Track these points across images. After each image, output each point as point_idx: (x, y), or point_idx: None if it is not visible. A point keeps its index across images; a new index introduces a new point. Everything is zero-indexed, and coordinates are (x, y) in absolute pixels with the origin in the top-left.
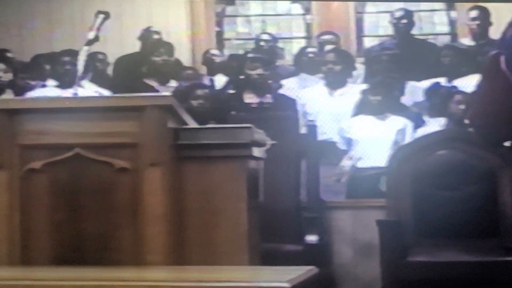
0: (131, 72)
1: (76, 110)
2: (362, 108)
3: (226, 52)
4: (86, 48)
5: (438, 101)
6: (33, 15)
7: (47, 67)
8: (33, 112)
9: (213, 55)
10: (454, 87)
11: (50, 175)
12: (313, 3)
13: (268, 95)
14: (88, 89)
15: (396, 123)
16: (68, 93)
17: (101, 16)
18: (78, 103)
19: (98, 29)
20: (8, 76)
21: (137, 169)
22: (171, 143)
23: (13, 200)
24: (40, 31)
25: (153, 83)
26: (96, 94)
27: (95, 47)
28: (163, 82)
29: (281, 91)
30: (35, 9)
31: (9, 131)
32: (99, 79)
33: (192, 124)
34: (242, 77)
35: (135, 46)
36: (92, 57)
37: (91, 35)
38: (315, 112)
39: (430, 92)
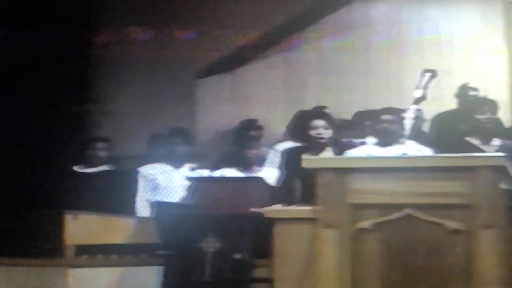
0: (450, 129)
1: (406, 169)
2: None
3: None
4: (413, 107)
5: None
6: (350, 71)
7: (367, 124)
8: (362, 171)
9: None
10: None
11: (380, 235)
12: None
13: None
14: (410, 147)
15: None
16: (389, 151)
17: (428, 74)
18: (408, 162)
19: (425, 87)
20: (329, 133)
21: (470, 230)
22: (506, 204)
23: (344, 259)
24: (357, 87)
25: (475, 141)
26: (420, 153)
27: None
28: (486, 140)
29: None
30: (352, 65)
31: (338, 189)
32: (415, 136)
33: None
34: None
35: (452, 103)
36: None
37: (418, 93)
38: None
39: None
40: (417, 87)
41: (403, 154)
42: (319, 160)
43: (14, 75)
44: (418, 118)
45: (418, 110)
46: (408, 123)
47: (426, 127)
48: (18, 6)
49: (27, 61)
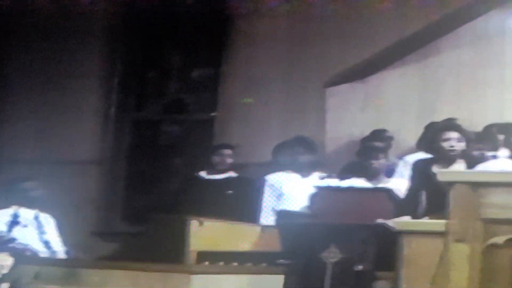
0: None
1: None
2: None
3: None
4: None
5: None
6: (485, 83)
7: (500, 137)
8: (496, 186)
9: None
10: None
11: None
12: None
13: None
14: None
15: None
16: None
17: None
18: None
19: None
20: (461, 146)
21: None
22: None
23: (474, 275)
24: (491, 99)
25: None
26: None
27: None
28: None
29: None
30: (487, 76)
31: (471, 203)
32: None
33: None
34: None
35: None
36: None
37: None
38: None
39: None
40: None
41: None
42: (453, 173)
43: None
44: None
45: None
46: None
47: None
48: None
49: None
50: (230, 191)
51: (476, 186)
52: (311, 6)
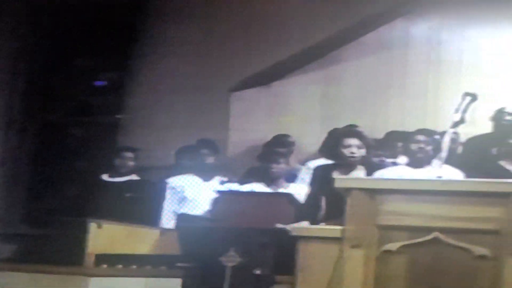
0: (483, 153)
1: (438, 192)
2: None
3: None
4: (451, 130)
5: None
6: (387, 91)
7: (399, 144)
8: (393, 193)
9: None
10: None
11: (407, 258)
12: None
13: None
14: (443, 170)
15: None
16: (421, 173)
17: (468, 98)
18: (441, 186)
19: (464, 111)
20: (361, 152)
21: (497, 257)
22: None
23: (368, 280)
24: (393, 107)
25: (509, 166)
26: (455, 176)
27: None
28: None
29: None
30: (389, 84)
31: (368, 210)
32: (448, 158)
33: None
34: None
35: (487, 127)
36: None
37: (457, 117)
38: None
39: None
40: (456, 110)
41: (437, 177)
42: (351, 180)
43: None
44: (453, 141)
45: (455, 133)
46: (445, 146)
47: (460, 150)
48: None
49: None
50: (130, 194)
51: (373, 193)
52: (219, 11)
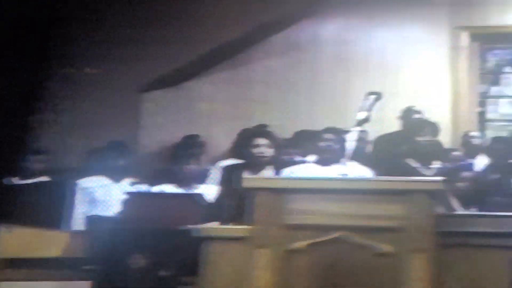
0: (391, 151)
1: (342, 191)
2: None
3: (488, 133)
4: (356, 129)
5: None
6: (296, 90)
7: (309, 143)
8: (298, 192)
9: (472, 136)
10: None
11: (312, 256)
12: None
13: None
14: (351, 168)
15: None
16: (328, 171)
17: (373, 97)
18: (344, 184)
19: (370, 110)
20: (270, 152)
21: (400, 254)
22: (437, 229)
23: (275, 279)
24: (303, 106)
25: (415, 164)
26: (361, 174)
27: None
28: (426, 163)
29: None
30: (298, 84)
31: (274, 209)
32: (358, 156)
33: (459, 209)
34: (511, 161)
35: (395, 125)
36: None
37: (362, 115)
38: None
39: None
40: (361, 109)
41: (342, 174)
42: (257, 179)
43: None
44: (362, 139)
45: (363, 131)
46: (350, 144)
47: (369, 148)
48: None
49: None
50: (40, 196)
51: (279, 192)
52: (126, 11)
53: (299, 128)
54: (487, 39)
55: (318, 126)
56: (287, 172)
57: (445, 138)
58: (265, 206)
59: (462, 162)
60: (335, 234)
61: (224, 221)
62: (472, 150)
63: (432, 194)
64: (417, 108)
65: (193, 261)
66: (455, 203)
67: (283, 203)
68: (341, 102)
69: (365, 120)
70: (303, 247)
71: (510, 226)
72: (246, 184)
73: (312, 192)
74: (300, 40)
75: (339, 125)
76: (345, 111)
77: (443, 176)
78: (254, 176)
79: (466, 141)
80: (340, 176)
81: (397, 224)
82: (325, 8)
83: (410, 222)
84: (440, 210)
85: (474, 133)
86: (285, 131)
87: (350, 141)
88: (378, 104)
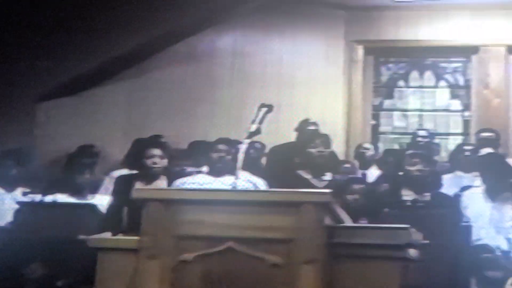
0: (285, 162)
1: (232, 202)
2: None
3: (381, 146)
4: (247, 141)
5: None
6: (195, 101)
7: (202, 154)
8: (188, 203)
9: (365, 148)
10: None
11: (202, 268)
12: (473, 99)
13: (427, 193)
14: (242, 178)
15: None
16: (219, 181)
17: (264, 109)
18: (234, 195)
19: (261, 122)
20: (163, 162)
21: (291, 265)
22: (327, 241)
23: None
24: (201, 117)
25: (307, 175)
26: (251, 185)
27: None
28: (318, 174)
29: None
30: (197, 94)
31: (163, 220)
32: (252, 166)
33: (348, 221)
34: (401, 173)
35: (291, 136)
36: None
37: (253, 128)
38: (474, 216)
39: None
40: (253, 122)
41: (232, 185)
42: (147, 190)
43: None
44: (257, 150)
45: (256, 143)
46: (240, 156)
47: (264, 160)
48: None
49: None
50: None
51: (169, 203)
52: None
53: (196, 138)
54: (381, 53)
55: (215, 136)
56: (180, 182)
57: (339, 150)
58: (155, 217)
59: (353, 175)
60: (225, 245)
61: (116, 232)
62: (365, 162)
63: (321, 206)
64: (313, 120)
65: (89, 271)
66: (344, 215)
67: (173, 214)
68: (237, 113)
69: (256, 133)
70: (192, 258)
71: (400, 238)
72: (136, 194)
73: (202, 203)
74: (199, 51)
75: (236, 136)
76: (242, 122)
77: (334, 188)
78: (145, 187)
79: (359, 153)
80: (230, 187)
81: (287, 236)
82: (223, 19)
83: (300, 234)
84: (329, 222)
85: (367, 145)
86: (183, 141)
87: (242, 153)
88: (269, 116)
